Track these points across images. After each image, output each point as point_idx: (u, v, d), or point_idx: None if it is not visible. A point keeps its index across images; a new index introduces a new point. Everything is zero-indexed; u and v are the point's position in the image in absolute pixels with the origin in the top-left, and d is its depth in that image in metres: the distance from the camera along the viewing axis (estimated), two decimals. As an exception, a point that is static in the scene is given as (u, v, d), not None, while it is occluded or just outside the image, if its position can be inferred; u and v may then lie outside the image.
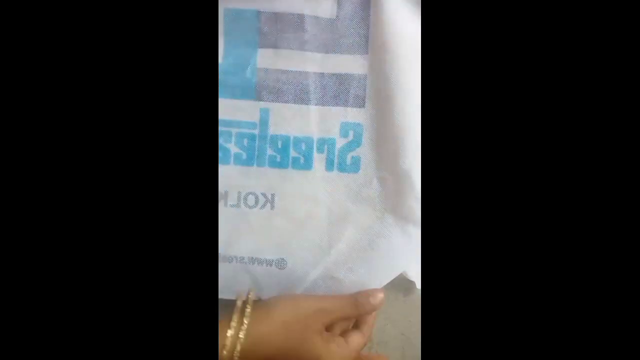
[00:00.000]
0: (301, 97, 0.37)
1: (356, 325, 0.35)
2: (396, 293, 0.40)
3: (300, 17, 0.37)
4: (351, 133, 0.37)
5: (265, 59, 0.37)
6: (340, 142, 0.37)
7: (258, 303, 0.32)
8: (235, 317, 0.31)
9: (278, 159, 0.38)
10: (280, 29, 0.37)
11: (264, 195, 0.38)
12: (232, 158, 0.38)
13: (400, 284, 0.38)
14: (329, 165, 0.37)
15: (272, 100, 0.37)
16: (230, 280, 0.38)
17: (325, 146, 0.37)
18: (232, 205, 0.38)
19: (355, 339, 0.33)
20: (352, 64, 0.37)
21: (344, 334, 0.34)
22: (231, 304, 0.37)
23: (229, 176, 0.38)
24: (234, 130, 0.38)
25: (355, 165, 0.37)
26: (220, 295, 0.38)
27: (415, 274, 0.38)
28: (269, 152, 0.38)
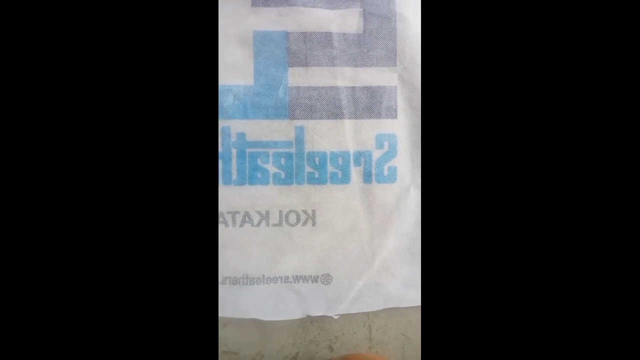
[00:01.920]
0: (334, 113, 0.38)
1: None
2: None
3: (328, 35, 0.37)
4: (386, 144, 0.38)
5: (296, 77, 0.37)
6: (376, 154, 0.38)
7: None
8: None
9: (316, 175, 0.38)
10: (309, 47, 0.37)
11: (305, 212, 0.38)
12: (271, 178, 0.38)
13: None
14: (367, 177, 0.38)
15: (306, 118, 0.37)
16: (276, 302, 0.38)
17: (362, 159, 0.38)
18: (274, 225, 0.38)
19: None
20: (382, 77, 0.38)
21: None
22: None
23: (269, 196, 0.38)
24: (270, 151, 0.38)
25: (392, 176, 0.38)
26: (267, 318, 0.38)
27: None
28: (307, 169, 0.38)
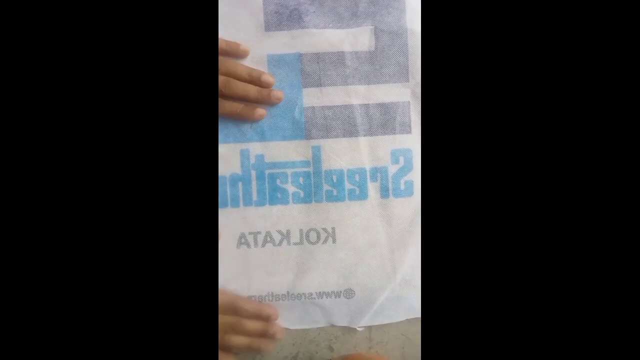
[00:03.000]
0: (350, 130, 0.38)
1: None
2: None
3: (341, 54, 0.38)
4: (402, 159, 0.39)
5: (310, 97, 0.38)
6: (392, 169, 0.39)
7: None
8: None
9: (335, 193, 0.39)
10: (322, 67, 0.38)
11: (324, 230, 0.39)
12: (290, 197, 0.38)
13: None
14: (384, 192, 0.39)
15: (322, 137, 0.38)
16: (302, 314, 0.39)
17: (379, 174, 0.39)
18: (295, 244, 0.39)
19: None
20: (395, 93, 0.38)
21: None
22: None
23: (290, 215, 0.38)
24: (289, 171, 0.38)
25: (409, 190, 0.39)
26: (294, 327, 0.39)
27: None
28: (325, 187, 0.38)
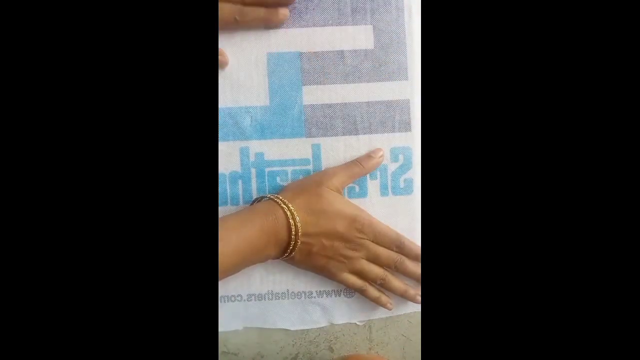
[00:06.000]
0: (349, 129, 0.38)
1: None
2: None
3: (340, 53, 0.38)
4: (401, 157, 0.39)
5: (310, 95, 0.38)
6: (392, 167, 0.39)
7: None
8: None
9: (334, 191, 0.38)
10: (322, 65, 0.38)
11: (324, 228, 0.39)
12: (290, 196, 0.38)
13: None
14: (384, 190, 0.39)
15: (322, 135, 0.38)
16: (302, 313, 0.39)
17: (378, 172, 0.39)
18: (294, 243, 0.39)
19: None
20: (395, 91, 0.38)
21: None
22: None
23: (289, 214, 0.38)
24: (289, 169, 0.38)
25: (409, 188, 0.39)
26: (294, 328, 0.39)
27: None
28: (325, 185, 0.38)
